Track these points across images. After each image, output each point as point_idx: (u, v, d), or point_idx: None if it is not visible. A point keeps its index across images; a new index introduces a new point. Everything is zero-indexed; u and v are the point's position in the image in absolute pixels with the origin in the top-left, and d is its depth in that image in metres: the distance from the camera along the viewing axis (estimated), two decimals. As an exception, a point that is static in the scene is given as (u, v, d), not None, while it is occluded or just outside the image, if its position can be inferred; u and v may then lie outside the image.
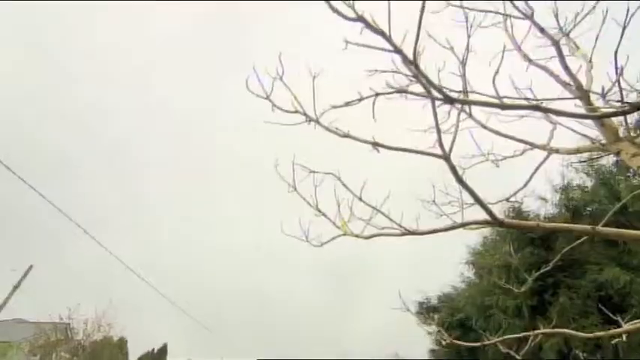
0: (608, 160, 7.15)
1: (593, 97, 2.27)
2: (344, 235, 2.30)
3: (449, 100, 1.74)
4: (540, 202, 7.90)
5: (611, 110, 2.14)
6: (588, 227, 1.88)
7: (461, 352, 9.97)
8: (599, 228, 1.86)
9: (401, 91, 2.04)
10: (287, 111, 2.09)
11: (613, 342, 2.03)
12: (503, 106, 2.04)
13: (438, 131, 1.92)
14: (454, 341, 2.43)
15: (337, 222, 2.37)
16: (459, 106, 2.07)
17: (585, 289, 6.85)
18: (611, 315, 2.67)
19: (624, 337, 2.22)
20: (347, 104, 2.18)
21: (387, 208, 2.21)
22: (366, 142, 1.90)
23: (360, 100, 2.12)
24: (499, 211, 8.55)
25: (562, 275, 7.34)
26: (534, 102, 2.49)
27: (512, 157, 3.11)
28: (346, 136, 1.97)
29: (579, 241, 3.22)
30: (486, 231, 9.64)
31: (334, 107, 2.13)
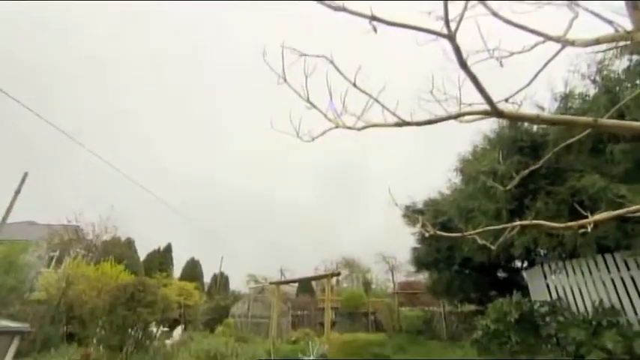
0: (618, 67, 6.79)
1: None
2: (336, 127, 2.22)
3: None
4: (538, 109, 7.78)
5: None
6: (590, 119, 1.82)
7: (440, 250, 11.12)
8: (602, 120, 1.81)
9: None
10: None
11: (580, 231, 2.17)
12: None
13: (446, 7, 1.69)
14: (437, 232, 2.58)
15: (329, 115, 2.27)
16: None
17: (561, 195, 7.23)
18: (582, 211, 2.81)
19: (590, 227, 2.36)
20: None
21: (382, 101, 2.10)
22: (363, 16, 1.67)
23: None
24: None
25: (544, 182, 7.67)
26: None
27: (521, 52, 2.86)
28: (341, 9, 1.72)
29: (567, 143, 3.20)
30: (477, 140, 9.76)
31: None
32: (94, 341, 8.45)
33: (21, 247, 14.14)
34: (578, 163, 7.10)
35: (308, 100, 2.21)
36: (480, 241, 3.08)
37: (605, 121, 1.75)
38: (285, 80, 2.25)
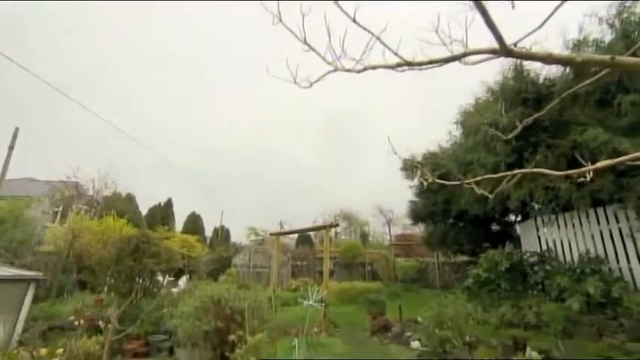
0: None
1: None
2: (335, 70, 2.08)
3: None
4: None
5: None
6: (606, 57, 1.69)
7: (437, 203, 11.32)
8: (619, 58, 1.67)
9: None
10: None
11: (579, 180, 2.14)
12: None
13: None
14: (436, 180, 2.55)
15: (327, 58, 2.12)
16: None
17: (562, 148, 7.16)
18: (583, 162, 2.76)
19: (589, 176, 2.32)
20: None
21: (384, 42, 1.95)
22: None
23: None
24: (502, 61, 8.05)
25: (545, 135, 7.56)
26: None
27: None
28: None
29: (577, 88, 3.05)
30: (480, 92, 9.47)
31: None
32: (105, 289, 8.92)
33: (24, 202, 14.33)
34: (582, 115, 6.94)
35: (305, 42, 2.05)
36: (478, 191, 3.07)
37: (624, 59, 1.62)
38: (281, 20, 2.06)
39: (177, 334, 5.34)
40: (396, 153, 2.68)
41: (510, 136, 2.91)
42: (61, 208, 20.15)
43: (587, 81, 2.52)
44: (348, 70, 1.94)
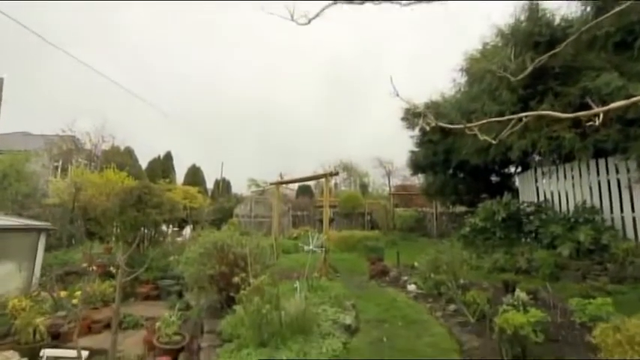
0: None
1: None
2: (334, 3, 1.89)
3: None
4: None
5: None
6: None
7: (437, 153, 11.25)
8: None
9: None
10: None
11: (587, 124, 2.03)
12: None
13: None
14: (439, 124, 2.46)
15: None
16: None
17: (570, 96, 6.90)
18: (593, 105, 2.63)
19: (599, 119, 2.21)
20: None
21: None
22: None
23: None
24: (515, 3, 7.42)
25: (554, 83, 7.24)
26: None
27: None
28: None
29: (592, 23, 2.82)
30: (488, 36, 8.91)
31: None
32: (113, 238, 9.24)
33: (23, 156, 14.25)
34: (597, 60, 6.57)
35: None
36: (481, 137, 2.99)
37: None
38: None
39: (185, 278, 5.62)
40: (397, 95, 2.56)
41: (520, 77, 2.75)
42: (60, 163, 20.13)
43: (612, 11, 2.31)
44: (350, 2, 1.76)
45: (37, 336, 4.76)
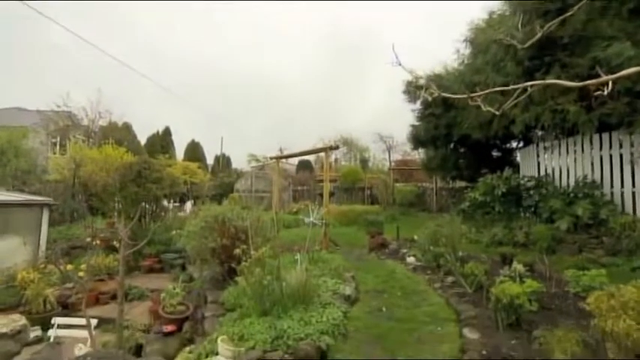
0: None
1: None
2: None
3: None
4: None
5: None
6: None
7: (438, 127, 11.11)
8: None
9: None
10: None
11: (595, 93, 1.96)
12: None
13: None
14: (442, 94, 2.39)
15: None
16: None
17: (578, 68, 6.68)
18: (601, 74, 2.54)
19: (607, 88, 2.14)
20: None
21: None
22: None
23: None
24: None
25: (562, 54, 7.01)
26: None
27: None
28: None
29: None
30: (496, 4, 8.55)
31: None
32: (115, 214, 9.32)
33: (20, 132, 14.11)
34: (610, 28, 6.30)
35: None
36: (484, 108, 2.92)
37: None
38: None
39: (187, 251, 5.73)
40: (400, 64, 2.47)
41: (528, 44, 2.64)
42: (58, 139, 19.95)
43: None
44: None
45: (48, 306, 4.94)
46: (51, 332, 4.29)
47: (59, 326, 4.33)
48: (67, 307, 5.26)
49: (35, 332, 4.50)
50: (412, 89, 11.08)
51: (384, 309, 4.07)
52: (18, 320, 3.29)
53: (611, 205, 6.96)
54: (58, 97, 17.12)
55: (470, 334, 3.19)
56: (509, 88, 2.40)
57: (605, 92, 2.23)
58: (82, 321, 3.88)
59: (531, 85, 2.37)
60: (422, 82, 8.89)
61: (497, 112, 2.71)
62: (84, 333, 3.88)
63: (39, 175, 13.33)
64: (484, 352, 2.83)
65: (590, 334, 2.88)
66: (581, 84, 2.16)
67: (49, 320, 4.47)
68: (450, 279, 4.97)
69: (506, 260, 5.43)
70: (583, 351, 2.68)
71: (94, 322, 4.00)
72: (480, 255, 6.25)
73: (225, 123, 43.96)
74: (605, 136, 7.41)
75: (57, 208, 9.84)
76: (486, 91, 2.44)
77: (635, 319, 1.64)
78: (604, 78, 2.07)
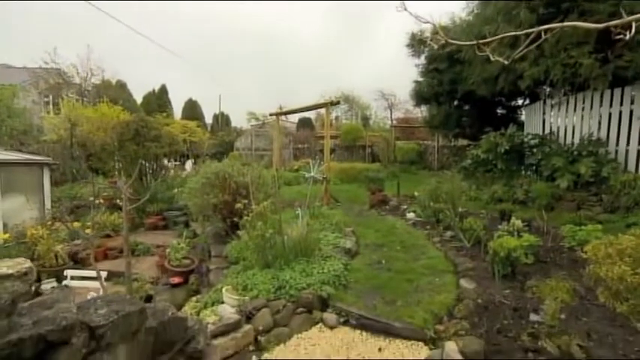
0: None
1: None
2: None
3: None
4: None
5: None
6: None
7: (442, 83, 10.73)
8: None
9: None
10: None
11: (617, 37, 1.81)
12: None
13: None
14: (450, 41, 2.23)
15: None
16: None
17: (597, 15, 6.25)
18: (624, 15, 2.35)
19: (630, 32, 1.98)
20: None
21: None
22: None
23: None
24: None
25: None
26: None
27: None
28: None
29: None
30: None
31: None
32: (116, 173, 9.33)
33: (10, 91, 13.61)
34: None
35: None
36: (493, 58, 2.76)
37: None
38: None
39: (190, 208, 5.80)
40: (406, 9, 2.29)
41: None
42: (50, 98, 19.38)
43: None
44: None
45: (60, 260, 5.13)
46: (65, 283, 4.52)
47: (72, 278, 4.55)
48: (78, 262, 5.45)
49: (51, 284, 4.73)
50: (416, 43, 10.51)
51: (383, 262, 4.20)
52: (23, 263, 3.41)
53: (614, 162, 6.90)
54: (44, 54, 16.34)
55: (466, 284, 3.32)
56: (523, 32, 2.24)
57: (627, 36, 2.08)
58: (94, 273, 4.04)
59: (546, 31, 2.21)
60: (427, 34, 8.38)
61: (506, 62, 2.56)
62: (96, 284, 4.05)
63: (36, 136, 13.15)
64: (479, 301, 2.96)
65: (581, 284, 2.99)
66: (601, 25, 2.01)
67: (62, 273, 4.69)
68: (448, 234, 5.08)
69: (505, 216, 5.52)
70: (572, 298, 2.80)
71: (103, 274, 4.16)
72: (479, 211, 6.34)
73: (225, 81, 42.53)
74: (617, 91, 7.14)
75: (57, 168, 9.84)
76: (498, 37, 2.28)
77: (630, 265, 1.68)
78: (627, 18, 1.91)
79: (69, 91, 18.19)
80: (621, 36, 2.06)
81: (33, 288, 4.28)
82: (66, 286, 4.38)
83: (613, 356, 2.12)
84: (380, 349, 2.60)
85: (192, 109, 25.12)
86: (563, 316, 2.57)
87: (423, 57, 10.94)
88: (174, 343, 1.80)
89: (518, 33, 2.29)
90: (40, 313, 1.24)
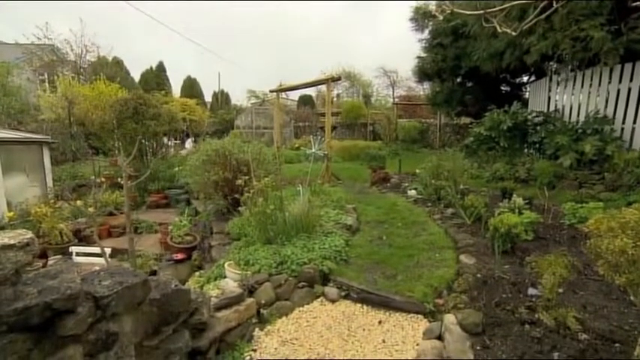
0: None
1: None
2: None
3: None
4: None
5: None
6: None
7: (446, 59, 10.45)
8: None
9: None
10: None
11: (634, 3, 1.72)
12: None
13: None
14: (455, 10, 2.14)
15: None
16: None
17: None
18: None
19: None
20: None
21: None
22: None
23: None
24: None
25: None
26: None
27: None
28: None
29: None
30: None
31: None
32: (116, 152, 9.29)
33: (3, 68, 13.31)
34: None
35: None
36: (500, 29, 2.67)
37: None
38: None
39: (190, 186, 5.81)
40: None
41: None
42: (46, 76, 18.98)
43: None
44: None
45: (64, 237, 5.21)
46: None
47: (77, 254, 4.63)
48: (82, 240, 5.54)
49: (57, 261, 4.83)
50: (420, 17, 10.14)
51: (384, 238, 4.24)
52: (25, 234, 3.47)
53: (619, 141, 6.81)
54: (35, 29, 15.84)
55: (466, 259, 3.35)
56: (534, 1, 2.14)
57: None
58: (98, 250, 4.10)
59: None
60: (432, 7, 8.07)
61: (514, 33, 2.48)
62: (101, 260, 4.12)
63: (33, 115, 13.00)
64: (479, 275, 3.00)
65: (580, 259, 3.02)
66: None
67: (68, 250, 4.77)
68: (449, 211, 5.09)
69: (506, 194, 5.51)
70: (570, 273, 2.83)
71: (107, 250, 4.23)
72: (480, 189, 6.33)
73: (223, 59, 41.55)
74: (628, 67, 6.93)
75: (57, 147, 9.79)
76: (508, 4, 2.19)
77: (633, 238, 1.68)
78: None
79: (64, 69, 17.79)
80: (638, 2, 1.96)
81: (40, 264, 4.37)
82: (70, 258, 4.47)
83: (607, 327, 2.17)
84: (380, 322, 2.67)
85: (191, 87, 24.67)
86: (560, 290, 2.61)
87: (426, 31, 10.59)
88: (178, 315, 1.84)
89: (529, 1, 2.19)
90: (44, 283, 1.26)
